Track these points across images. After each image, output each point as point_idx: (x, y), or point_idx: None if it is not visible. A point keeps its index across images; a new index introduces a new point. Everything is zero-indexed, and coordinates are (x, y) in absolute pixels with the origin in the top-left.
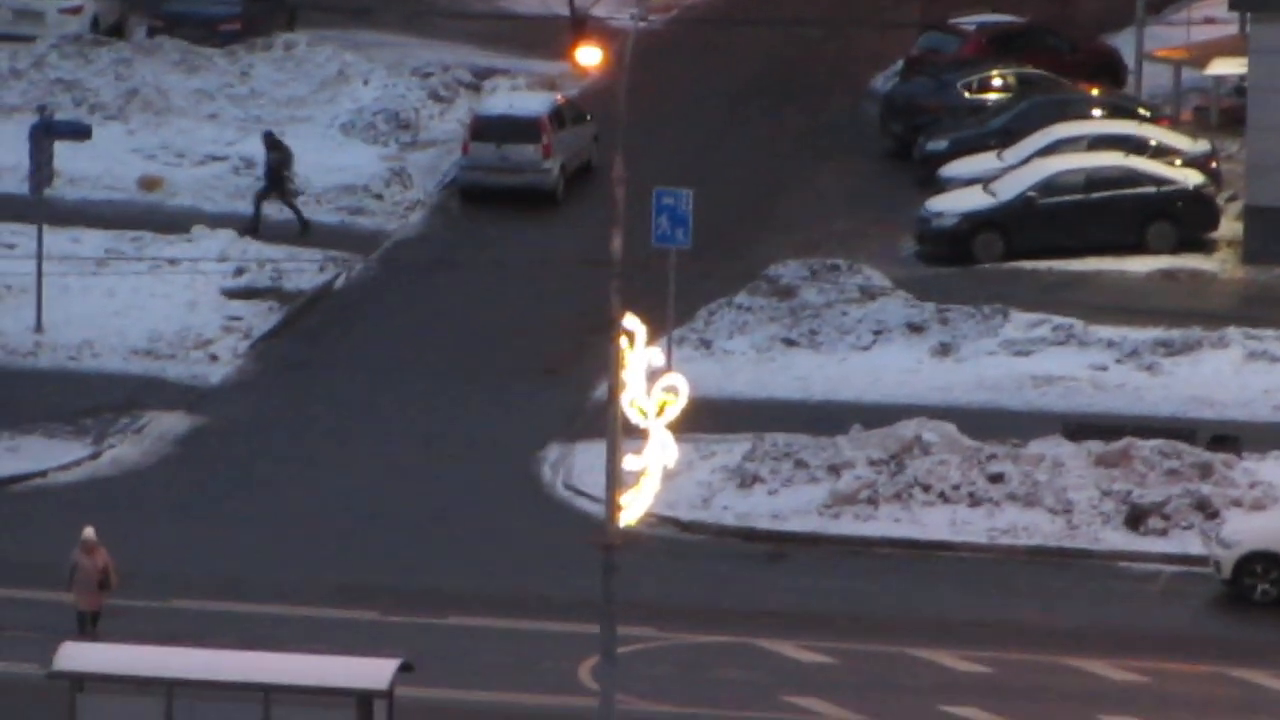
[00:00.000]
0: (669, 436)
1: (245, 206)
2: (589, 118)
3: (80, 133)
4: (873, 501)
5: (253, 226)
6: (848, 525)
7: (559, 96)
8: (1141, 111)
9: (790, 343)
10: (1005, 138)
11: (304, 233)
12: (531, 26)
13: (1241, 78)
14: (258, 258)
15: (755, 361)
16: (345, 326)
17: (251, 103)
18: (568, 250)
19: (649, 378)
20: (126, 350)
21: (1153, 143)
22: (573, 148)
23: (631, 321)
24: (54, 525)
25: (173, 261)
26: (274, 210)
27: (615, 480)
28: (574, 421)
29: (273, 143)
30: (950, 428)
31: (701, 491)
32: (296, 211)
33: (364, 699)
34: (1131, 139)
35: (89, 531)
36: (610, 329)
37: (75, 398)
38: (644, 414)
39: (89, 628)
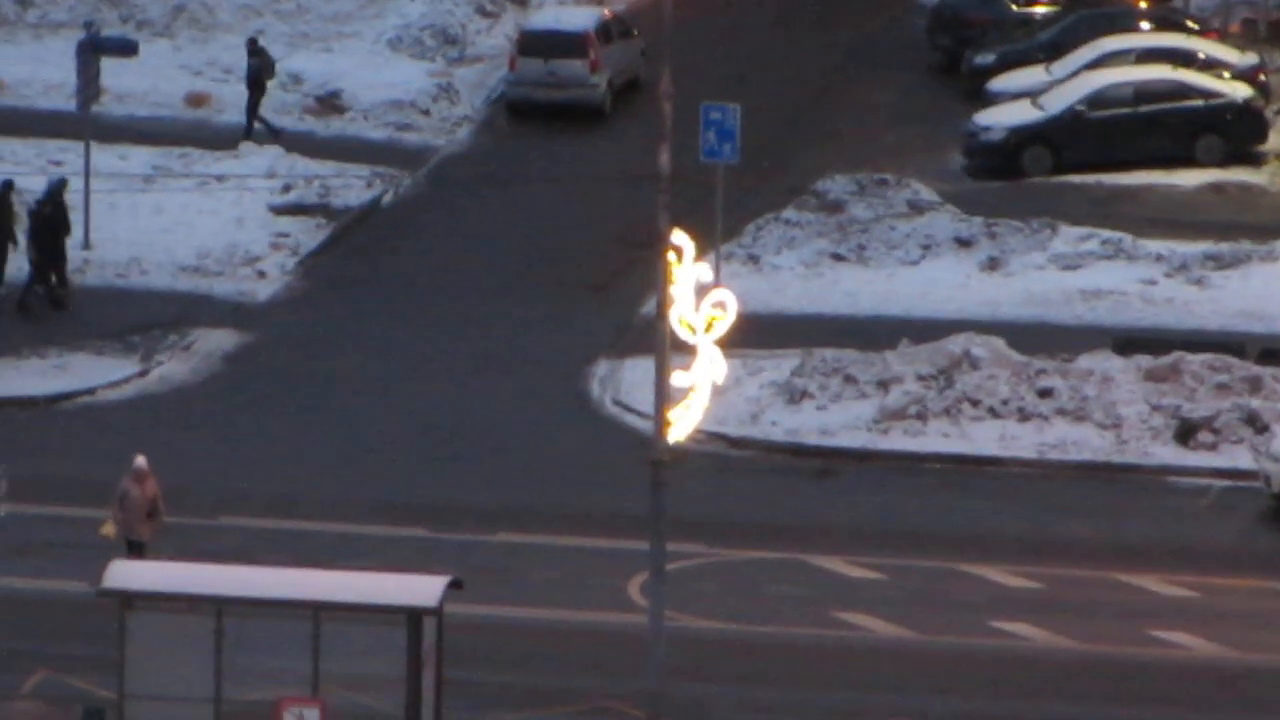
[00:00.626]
0: (717, 352)
1: (293, 123)
2: (635, 32)
3: (127, 49)
4: (921, 417)
5: (247, 133)
6: (896, 441)
7: (606, 11)
8: (1189, 24)
9: (838, 258)
10: (1053, 51)
11: (276, 136)
12: None
13: None
14: (305, 174)
15: (803, 277)
16: (392, 243)
17: (298, 18)
18: (615, 166)
19: (697, 293)
20: (174, 267)
21: (1201, 56)
22: (620, 63)
23: (679, 237)
24: (102, 443)
25: (220, 178)
26: (321, 125)
27: (664, 396)
28: (622, 337)
29: (254, 49)
30: (999, 343)
31: (750, 407)
32: (265, 122)
33: (414, 616)
34: (1179, 52)
35: (140, 460)
36: (658, 244)
37: (123, 315)
38: (692, 330)
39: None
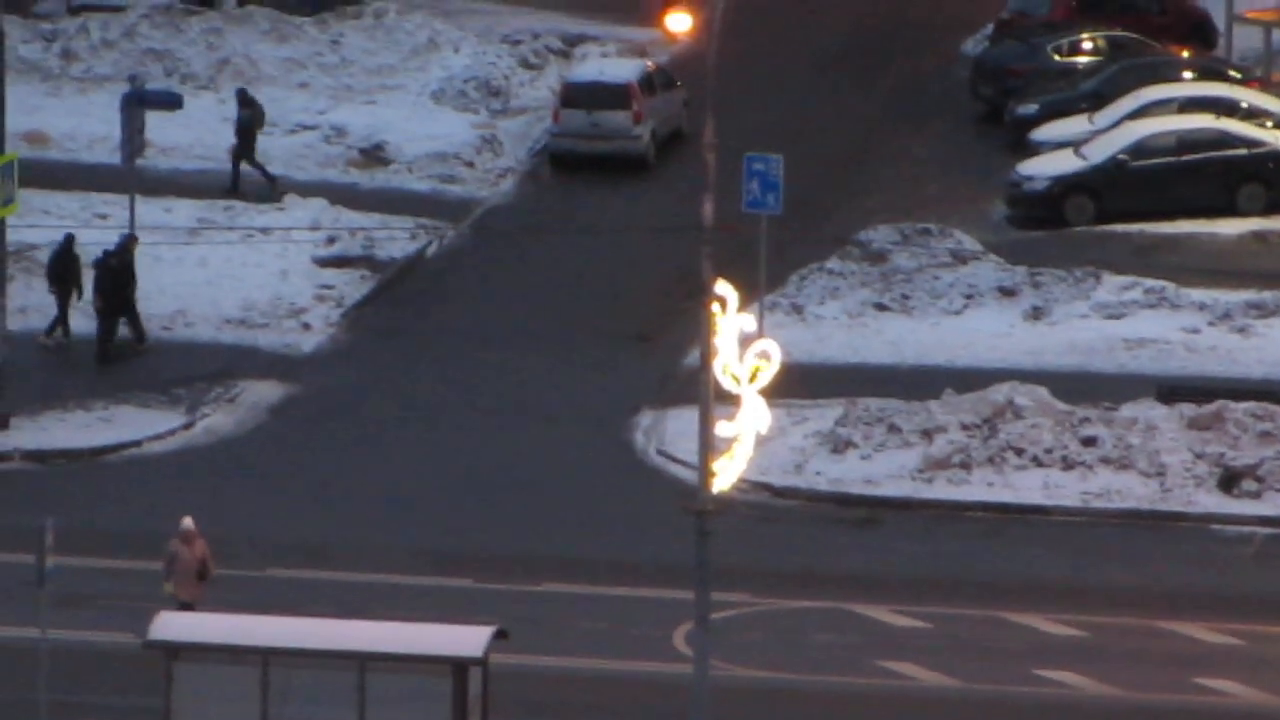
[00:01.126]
0: (761, 402)
1: (337, 175)
2: (679, 84)
3: (172, 103)
4: (965, 466)
5: (233, 186)
6: (940, 490)
7: (649, 63)
8: (1232, 73)
9: (882, 307)
10: (1096, 101)
11: (273, 190)
12: None
13: None
14: (349, 226)
15: (847, 326)
16: (437, 294)
17: (342, 71)
18: (659, 216)
19: (741, 343)
20: (219, 319)
21: (1244, 104)
22: (663, 114)
23: (723, 287)
24: (148, 495)
25: (264, 230)
26: (365, 177)
27: (708, 446)
28: (666, 387)
29: (245, 99)
30: (1042, 391)
31: (794, 457)
32: (263, 170)
33: (459, 666)
34: (1222, 101)
35: (188, 521)
36: (702, 295)
37: (168, 367)
38: (736, 380)
39: None
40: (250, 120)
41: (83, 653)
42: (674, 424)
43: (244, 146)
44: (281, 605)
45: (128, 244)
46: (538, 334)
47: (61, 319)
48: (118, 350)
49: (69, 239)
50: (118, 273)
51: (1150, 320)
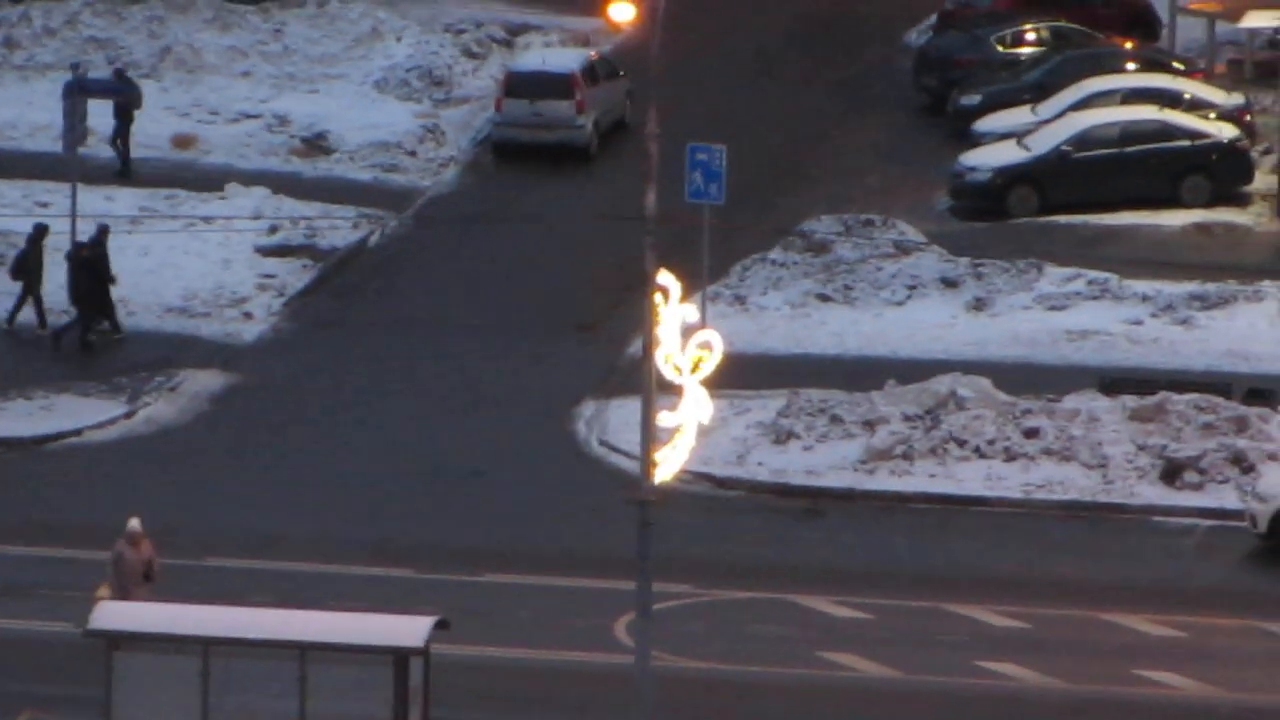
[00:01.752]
0: (703, 392)
1: (279, 164)
2: (622, 74)
3: (113, 91)
4: (908, 457)
5: (123, 167)
6: (883, 481)
7: (592, 52)
8: (1175, 65)
9: (825, 298)
10: (1039, 92)
11: (124, 174)
12: None
13: (1276, 30)
14: (292, 215)
15: (790, 317)
16: (379, 284)
17: (284, 60)
18: (601, 206)
19: (683, 334)
20: (161, 308)
21: (1187, 96)
22: (606, 104)
23: (666, 278)
24: (89, 484)
25: (207, 219)
26: (307, 166)
27: (650, 436)
28: (609, 378)
29: (123, 80)
30: (985, 383)
31: (736, 448)
32: (124, 154)
33: (400, 656)
34: (1166, 92)
35: (134, 523)
36: (644, 285)
37: (110, 356)
38: (679, 370)
39: None
40: (127, 102)
41: (23, 642)
42: (616, 414)
43: (121, 127)
44: (222, 595)
45: (101, 235)
46: (480, 324)
47: (37, 310)
48: (100, 340)
49: (41, 230)
50: (93, 264)
51: (1093, 312)
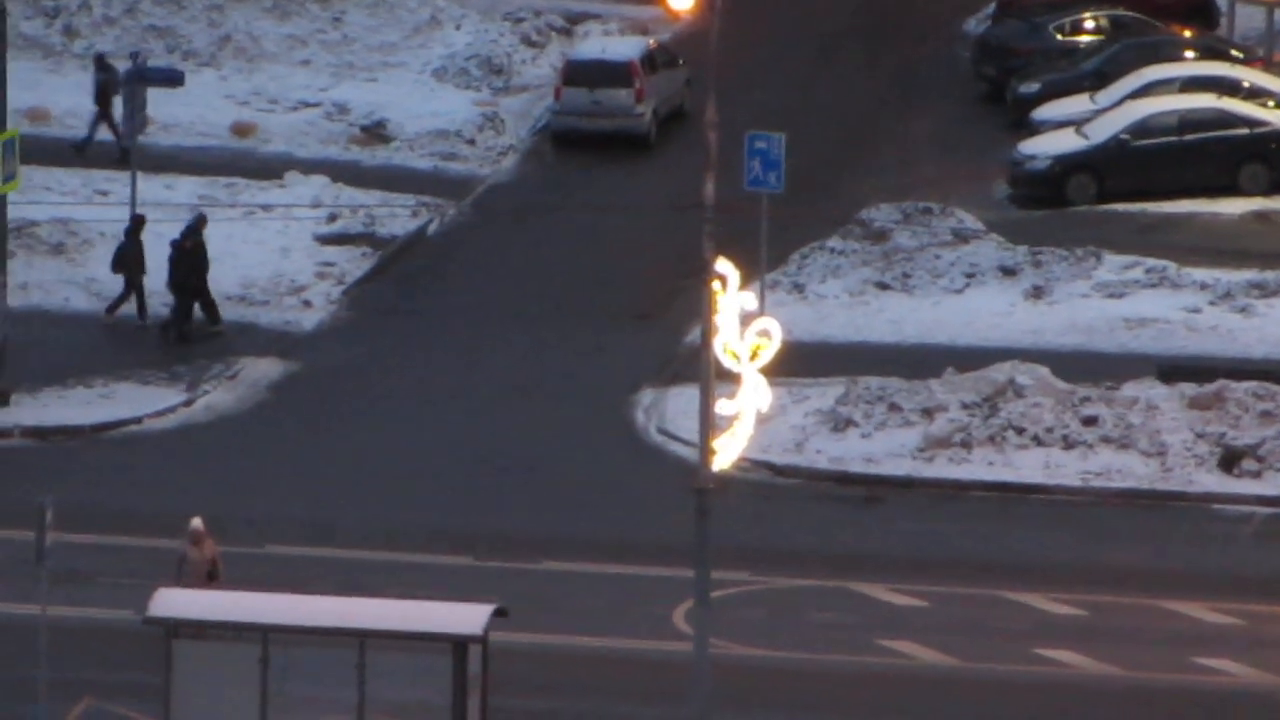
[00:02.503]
0: (762, 380)
1: (338, 153)
2: (681, 62)
3: (173, 80)
4: (966, 445)
5: (82, 145)
6: (941, 469)
7: (651, 41)
8: (1234, 53)
9: (883, 286)
10: (1098, 80)
11: (123, 158)
12: None
13: None
14: (351, 203)
15: (848, 305)
16: (438, 272)
17: (344, 48)
18: (660, 195)
19: (742, 322)
20: (220, 297)
21: (1245, 84)
22: (665, 92)
23: (724, 266)
24: (148, 472)
25: (266, 208)
26: (366, 155)
27: (709, 424)
28: (667, 366)
29: (102, 64)
30: (1043, 371)
31: (795, 435)
32: (118, 135)
33: (459, 644)
34: (1224, 81)
35: (197, 522)
36: (703, 273)
37: (169, 344)
38: (737, 358)
39: None
40: (104, 84)
41: (82, 630)
42: (675, 402)
43: (102, 109)
44: (281, 582)
45: (198, 225)
46: (538, 312)
47: (138, 302)
48: (196, 331)
49: (139, 221)
50: (192, 255)
51: (1151, 300)
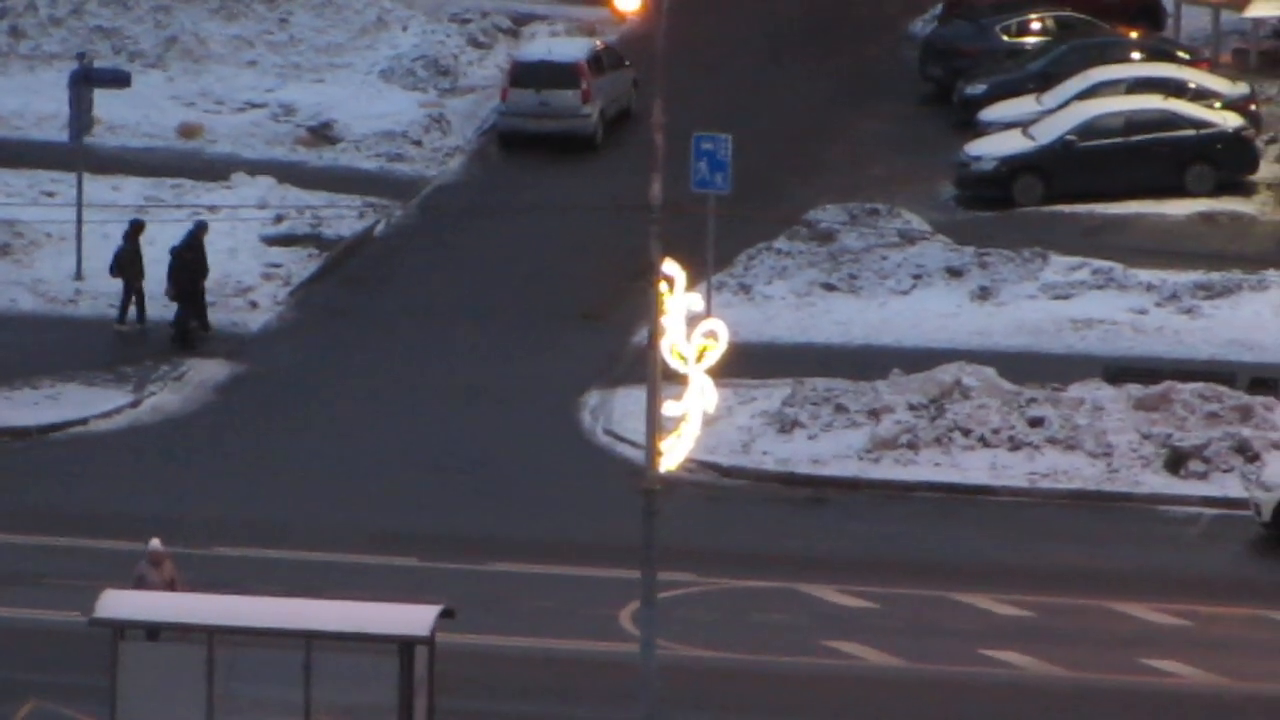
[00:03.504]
0: (709, 382)
1: (285, 154)
2: (628, 63)
3: (120, 80)
4: (913, 446)
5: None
6: (888, 470)
7: (598, 42)
8: (1180, 54)
9: (830, 287)
10: (1044, 81)
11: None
12: None
13: None
14: (297, 204)
15: (795, 306)
16: (385, 273)
17: (290, 49)
18: (607, 196)
19: (688, 323)
20: (166, 298)
21: (1192, 85)
22: (612, 93)
23: (671, 267)
24: (95, 473)
25: (212, 209)
26: (313, 156)
27: (655, 425)
28: (614, 367)
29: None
30: (990, 372)
31: (741, 437)
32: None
33: (406, 645)
34: (1170, 82)
35: (155, 543)
36: (650, 274)
37: (115, 345)
38: (683, 359)
39: None
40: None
41: (29, 631)
42: (621, 403)
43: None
44: (228, 584)
45: (198, 232)
46: (485, 313)
47: (138, 305)
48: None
49: (137, 226)
50: (191, 263)
51: (1098, 301)
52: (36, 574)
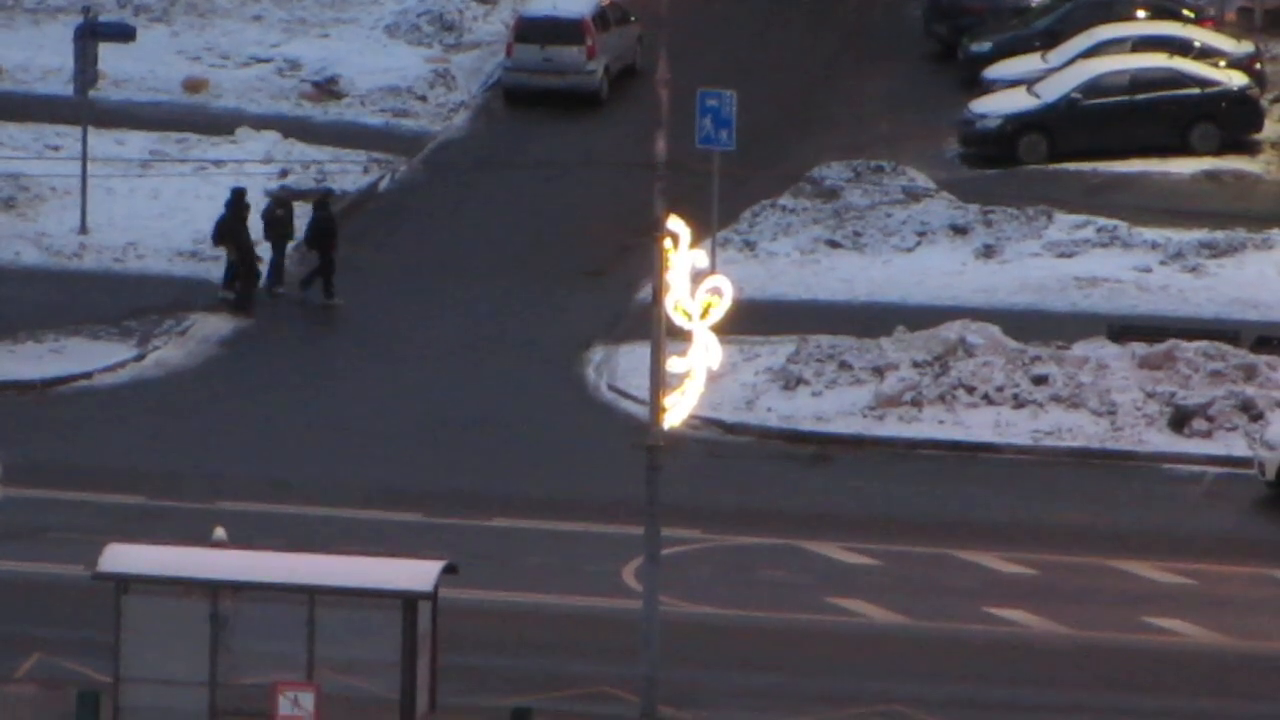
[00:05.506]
0: (713, 338)
1: (290, 109)
2: (633, 19)
3: (125, 34)
4: (917, 404)
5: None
6: (892, 427)
7: None
8: (1186, 13)
9: (834, 244)
10: (1049, 39)
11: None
12: None
13: None
14: (302, 159)
15: (799, 263)
16: (389, 228)
17: (296, 4)
18: (612, 152)
19: (693, 279)
20: (171, 252)
21: (1197, 44)
22: (617, 49)
23: (675, 223)
24: (99, 427)
25: (217, 163)
26: (318, 111)
27: (659, 382)
28: (618, 323)
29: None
30: (994, 329)
31: (745, 393)
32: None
33: (409, 600)
34: (1176, 40)
35: (220, 533)
36: (654, 231)
37: (120, 299)
38: (688, 316)
39: None
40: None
41: (33, 585)
42: (626, 360)
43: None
44: (231, 538)
45: (325, 199)
46: (490, 269)
47: (255, 270)
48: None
49: (238, 193)
50: (323, 226)
51: (1102, 259)
52: (40, 528)
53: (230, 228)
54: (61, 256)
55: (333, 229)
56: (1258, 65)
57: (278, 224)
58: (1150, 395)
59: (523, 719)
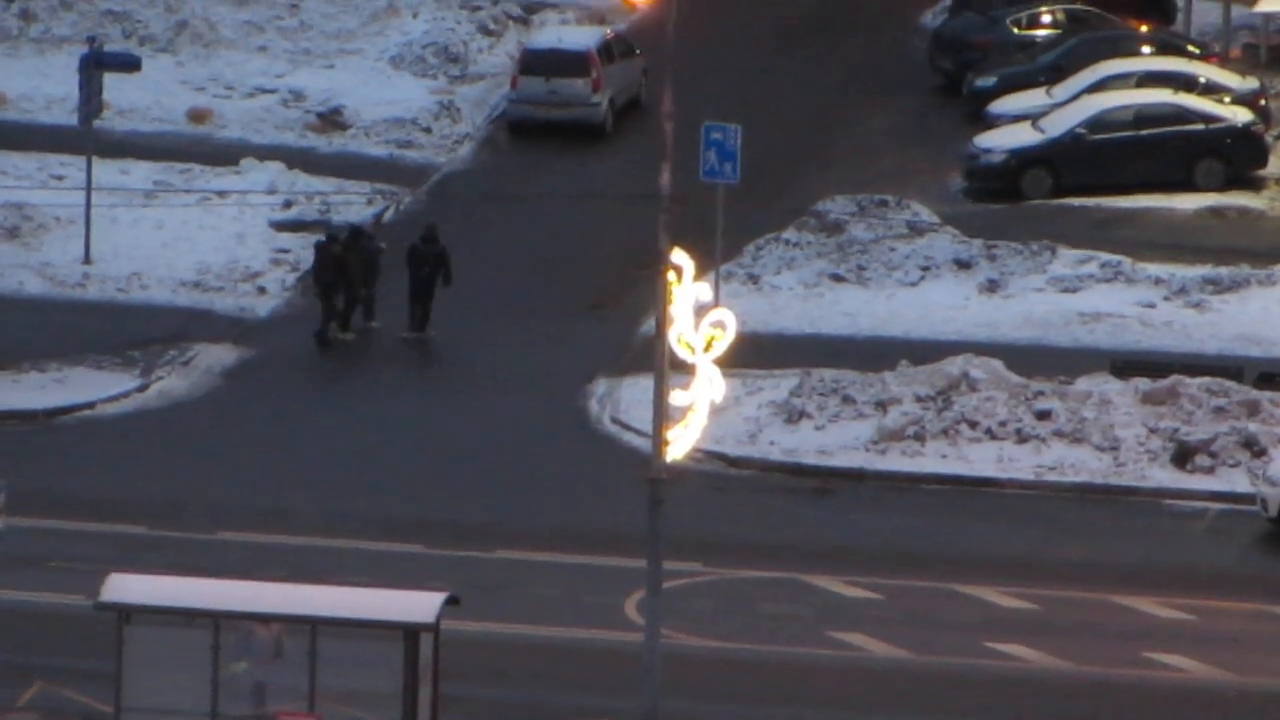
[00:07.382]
0: (716, 372)
1: (294, 139)
2: (638, 52)
3: (130, 64)
4: (919, 438)
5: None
6: (894, 461)
7: (608, 30)
8: (1190, 48)
9: (838, 278)
10: (1054, 74)
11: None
12: None
13: None
14: (306, 190)
15: (803, 297)
16: (392, 260)
17: (301, 35)
18: (616, 185)
19: (696, 313)
20: (174, 282)
21: (1201, 80)
22: (621, 82)
23: (679, 256)
24: (101, 457)
25: (221, 194)
26: (322, 142)
27: (662, 415)
28: (621, 356)
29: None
30: (997, 364)
31: (748, 427)
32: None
33: (410, 632)
34: (1180, 76)
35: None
36: (658, 264)
37: (123, 329)
38: (691, 349)
39: None
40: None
41: (35, 614)
42: (629, 392)
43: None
44: (234, 569)
45: (433, 231)
46: (493, 301)
47: (363, 309)
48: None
49: (354, 233)
50: (432, 261)
51: (1106, 294)
52: (42, 557)
53: (344, 270)
54: (65, 286)
55: (376, 263)
56: (1262, 101)
57: (338, 263)
58: (1153, 431)
59: None
